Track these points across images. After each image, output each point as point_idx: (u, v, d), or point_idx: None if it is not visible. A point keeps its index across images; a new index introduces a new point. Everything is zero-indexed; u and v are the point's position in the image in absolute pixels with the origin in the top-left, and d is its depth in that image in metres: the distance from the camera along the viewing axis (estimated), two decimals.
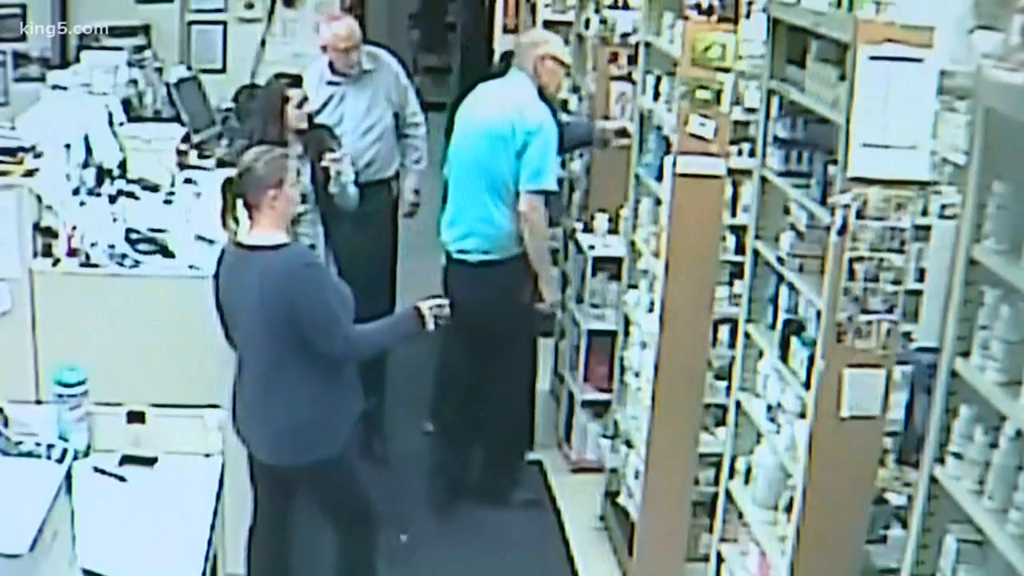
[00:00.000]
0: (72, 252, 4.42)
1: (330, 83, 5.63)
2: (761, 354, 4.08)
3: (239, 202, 3.89)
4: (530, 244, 5.18)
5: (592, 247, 5.96)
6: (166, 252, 4.59)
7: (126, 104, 5.96)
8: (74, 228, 4.46)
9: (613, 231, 6.00)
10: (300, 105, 4.98)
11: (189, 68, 7.09)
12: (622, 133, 5.52)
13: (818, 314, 3.51)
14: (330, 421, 3.96)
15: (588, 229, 6.09)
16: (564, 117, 5.54)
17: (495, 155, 5.13)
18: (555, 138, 5.16)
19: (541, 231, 5.20)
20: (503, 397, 5.47)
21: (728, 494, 4.25)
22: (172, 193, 5.31)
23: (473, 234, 5.25)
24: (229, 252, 3.95)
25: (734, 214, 5.33)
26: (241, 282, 3.87)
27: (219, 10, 7.57)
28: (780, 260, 3.84)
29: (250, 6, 7.58)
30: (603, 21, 6.15)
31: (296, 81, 5.06)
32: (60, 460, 3.08)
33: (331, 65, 5.63)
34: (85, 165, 5.00)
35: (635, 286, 5.20)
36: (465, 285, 5.21)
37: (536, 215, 5.15)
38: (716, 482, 4.53)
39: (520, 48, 5.39)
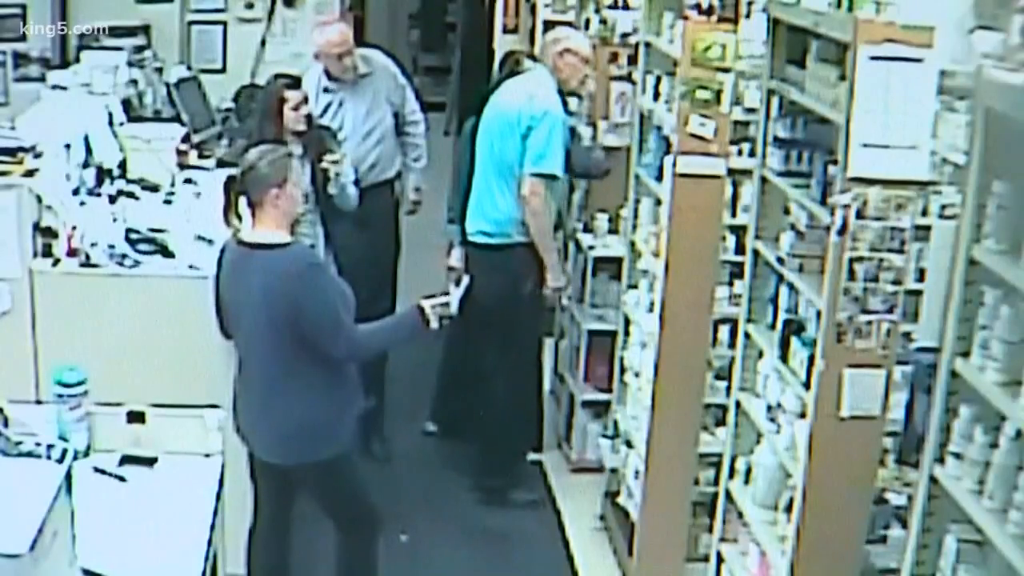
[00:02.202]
0: (72, 252, 4.42)
1: (327, 90, 5.62)
2: (761, 354, 4.08)
3: (242, 200, 3.90)
4: (532, 227, 5.26)
5: (592, 247, 5.96)
6: (166, 252, 4.59)
7: (126, 104, 5.96)
8: (74, 228, 4.46)
9: (613, 231, 6.00)
10: (298, 107, 4.97)
11: (189, 68, 7.09)
12: None
13: (818, 314, 3.51)
14: (333, 420, 3.96)
15: (588, 229, 6.10)
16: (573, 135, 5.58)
17: (503, 140, 5.27)
18: (561, 127, 5.22)
19: (541, 215, 5.24)
20: (504, 392, 5.47)
21: (728, 494, 4.25)
22: (172, 193, 5.31)
23: (479, 216, 5.41)
24: (231, 250, 3.96)
25: (734, 214, 5.33)
26: (243, 280, 3.87)
27: (219, 10, 7.57)
28: (780, 260, 3.84)
29: (250, 6, 7.58)
30: (603, 21, 6.15)
31: (295, 82, 5.05)
32: (60, 460, 3.08)
33: (327, 72, 5.62)
34: (85, 165, 5.00)
35: (635, 286, 5.20)
36: (470, 268, 5.32)
37: (536, 199, 5.20)
38: (716, 482, 4.53)
39: (544, 45, 5.54)
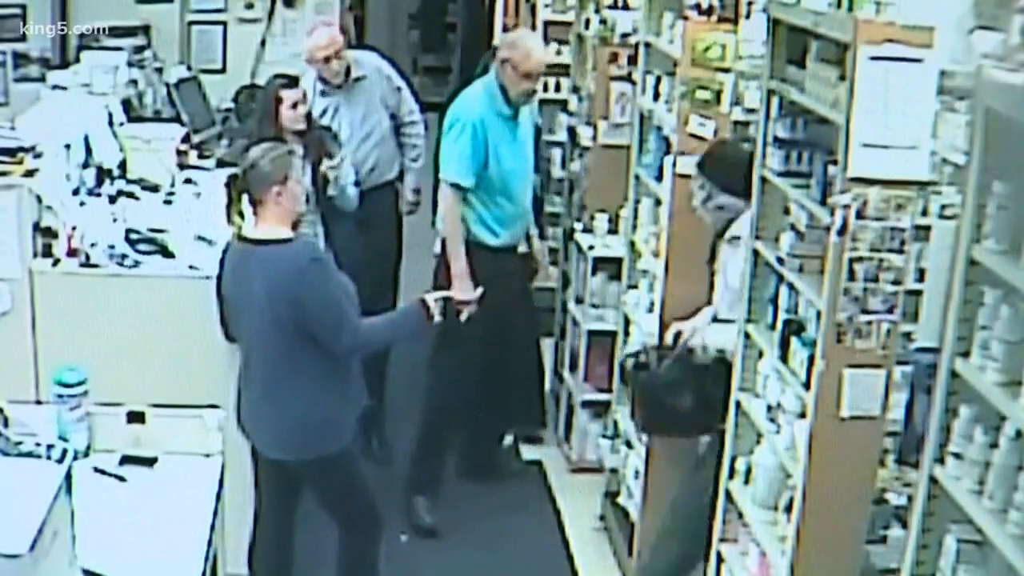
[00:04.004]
0: (72, 252, 4.42)
1: (323, 94, 5.63)
2: (761, 354, 4.08)
3: (244, 197, 3.91)
4: (442, 230, 5.19)
5: (592, 247, 5.96)
6: (166, 252, 4.59)
7: (126, 104, 5.96)
8: (74, 228, 4.47)
9: (613, 231, 5.99)
10: (295, 106, 4.97)
11: (189, 68, 7.10)
12: None
13: (818, 314, 3.51)
14: (337, 415, 3.98)
15: (588, 229, 6.09)
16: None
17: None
18: (470, 135, 5.05)
19: (446, 221, 5.13)
20: (435, 386, 5.43)
21: (728, 494, 4.25)
22: (172, 193, 5.32)
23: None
24: (234, 248, 3.97)
25: None
26: (246, 277, 3.88)
27: (219, 10, 7.58)
28: (780, 260, 3.83)
29: (250, 6, 7.59)
30: (603, 21, 6.15)
31: (292, 82, 5.05)
32: (60, 460, 3.09)
33: (322, 77, 5.63)
34: (85, 165, 5.00)
35: (635, 286, 5.20)
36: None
37: (442, 204, 5.15)
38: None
39: None
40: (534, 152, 5.57)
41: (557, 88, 7.69)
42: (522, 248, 5.48)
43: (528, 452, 6.06)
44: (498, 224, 5.20)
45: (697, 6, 4.46)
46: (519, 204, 5.28)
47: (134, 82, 6.39)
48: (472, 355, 5.25)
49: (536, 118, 6.73)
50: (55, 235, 4.43)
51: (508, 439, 6.00)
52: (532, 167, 5.44)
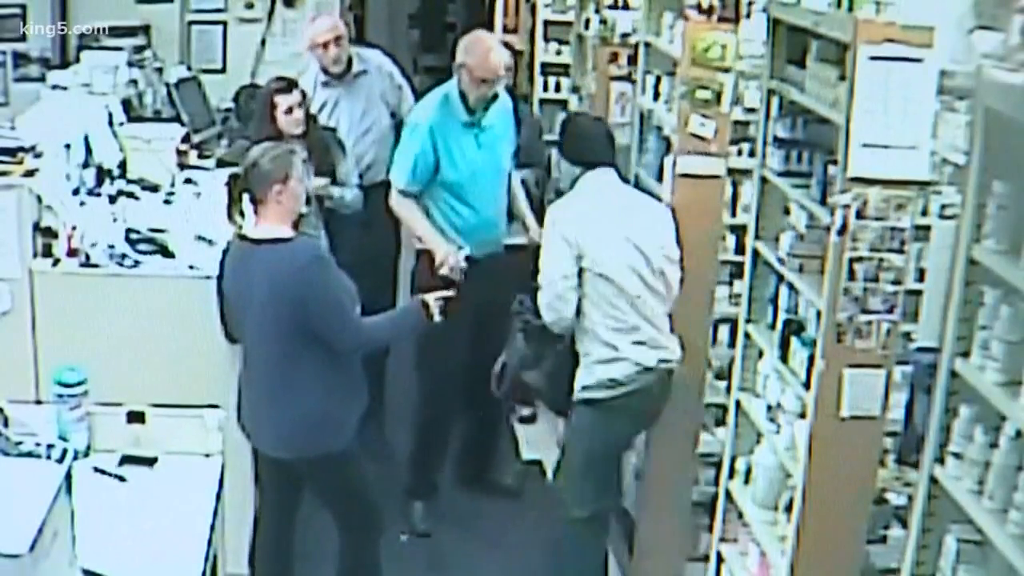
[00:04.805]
0: (72, 252, 4.42)
1: (325, 85, 5.63)
2: (761, 354, 4.08)
3: (245, 197, 3.91)
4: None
5: None
6: (166, 252, 4.59)
7: (126, 104, 5.96)
8: (74, 228, 4.47)
9: None
10: (290, 110, 4.96)
11: (189, 68, 7.10)
12: None
13: (818, 314, 3.51)
14: (339, 413, 3.98)
15: None
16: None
17: None
18: (416, 140, 4.97)
19: (399, 212, 5.14)
20: (423, 389, 5.40)
21: (728, 494, 4.25)
22: (172, 193, 5.31)
23: None
24: (235, 247, 3.97)
25: (734, 214, 5.33)
26: (247, 276, 3.88)
27: (219, 10, 7.58)
28: (780, 260, 3.84)
29: (250, 6, 7.59)
30: (603, 21, 6.16)
31: (288, 86, 5.04)
32: (60, 460, 3.10)
33: (324, 69, 5.63)
34: (85, 165, 5.00)
35: None
36: None
37: (392, 204, 5.13)
38: (716, 482, 4.53)
39: None
40: (520, 149, 5.52)
41: (557, 88, 7.70)
42: (522, 241, 5.41)
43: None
44: (459, 233, 5.03)
45: (697, 6, 4.46)
46: (483, 213, 5.09)
47: (134, 82, 6.39)
48: (455, 356, 5.20)
49: (537, 116, 6.72)
50: (55, 235, 4.43)
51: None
52: (504, 175, 5.24)
